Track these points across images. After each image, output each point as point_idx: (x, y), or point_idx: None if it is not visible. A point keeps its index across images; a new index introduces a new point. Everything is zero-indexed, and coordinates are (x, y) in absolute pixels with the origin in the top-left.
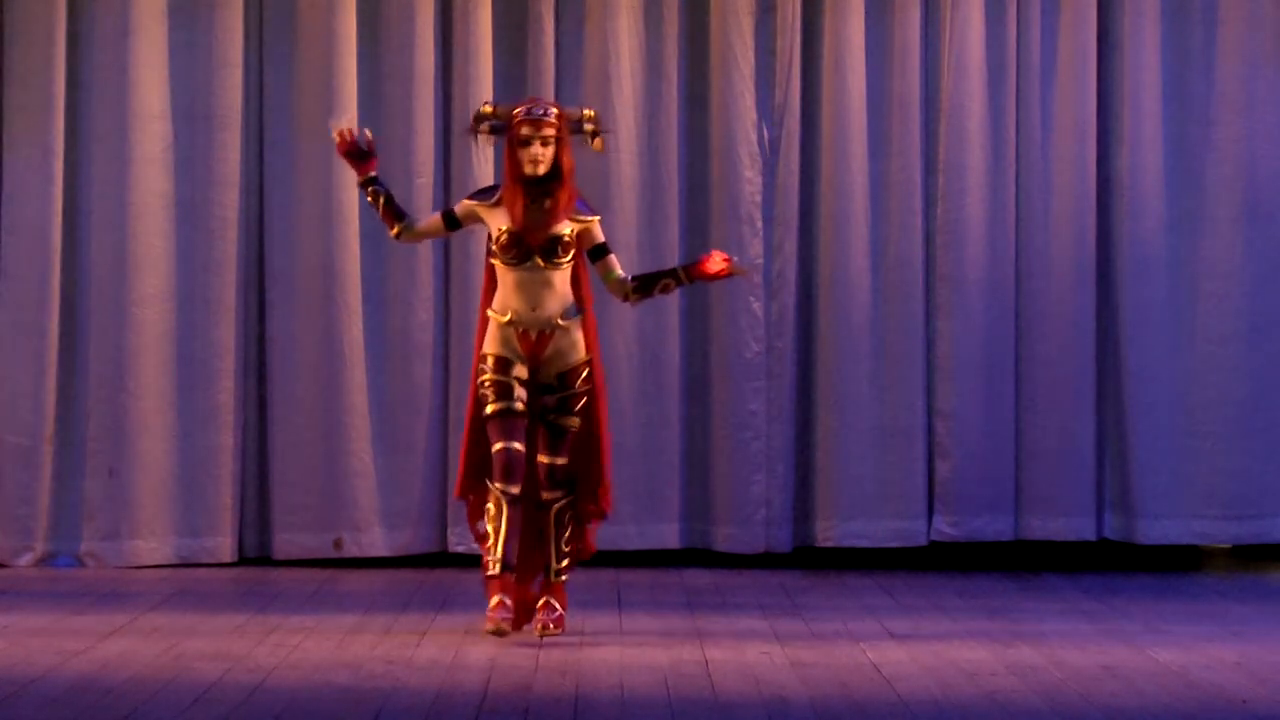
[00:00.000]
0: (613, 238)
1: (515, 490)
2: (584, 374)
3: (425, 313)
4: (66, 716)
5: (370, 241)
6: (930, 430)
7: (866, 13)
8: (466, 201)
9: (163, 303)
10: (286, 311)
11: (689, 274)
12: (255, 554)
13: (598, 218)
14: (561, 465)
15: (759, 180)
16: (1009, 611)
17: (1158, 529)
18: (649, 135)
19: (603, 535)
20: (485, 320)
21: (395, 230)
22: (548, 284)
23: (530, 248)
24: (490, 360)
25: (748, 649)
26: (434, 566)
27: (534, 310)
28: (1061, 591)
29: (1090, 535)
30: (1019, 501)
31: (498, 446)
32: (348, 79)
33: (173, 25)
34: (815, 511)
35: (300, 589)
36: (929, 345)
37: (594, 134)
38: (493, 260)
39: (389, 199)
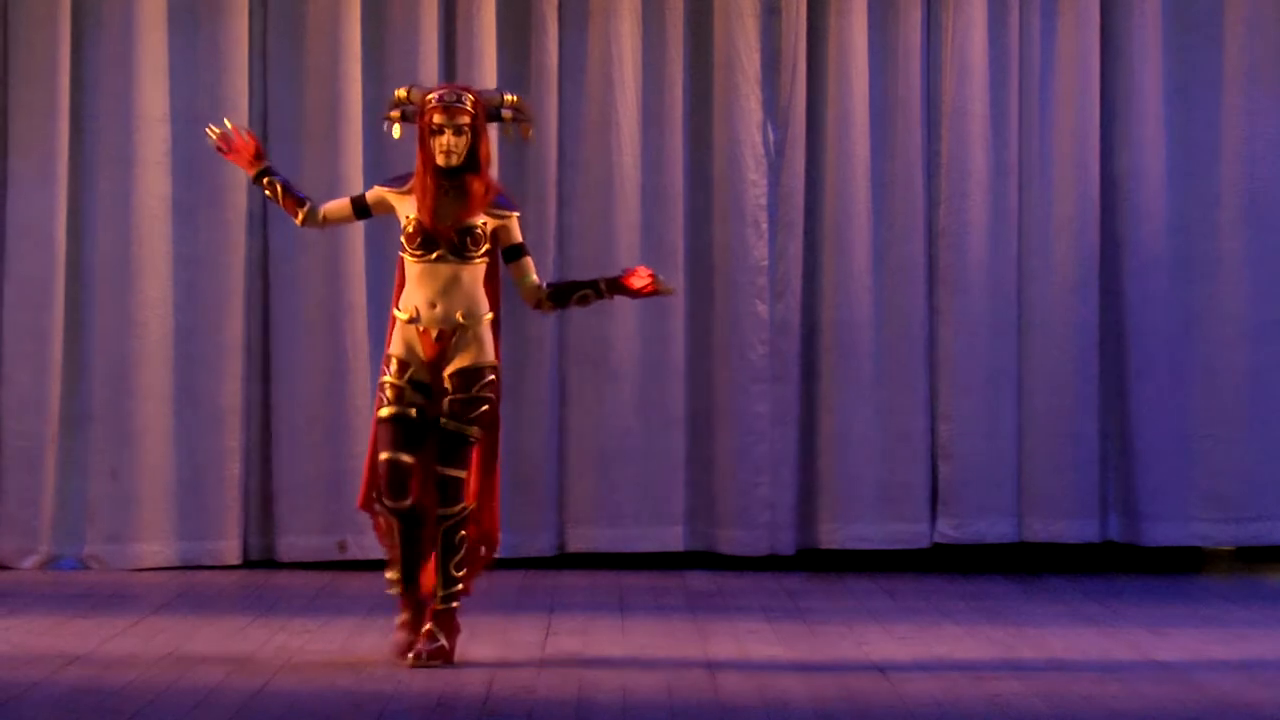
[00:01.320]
0: (616, 240)
1: (404, 504)
2: (486, 380)
3: None
4: (70, 718)
5: (374, 244)
6: (933, 433)
7: (870, 15)
8: (378, 187)
9: (166, 305)
10: (291, 314)
11: (610, 287)
12: (260, 557)
13: (517, 214)
14: (456, 478)
15: (763, 182)
16: (1011, 614)
17: (1160, 531)
18: (652, 138)
19: (606, 538)
20: (393, 318)
21: (300, 217)
22: (455, 280)
23: (438, 239)
24: (391, 363)
25: (750, 651)
26: None
27: (435, 308)
28: (1064, 593)
29: (1093, 537)
30: (1021, 504)
31: (383, 456)
32: (352, 83)
33: (176, 28)
34: (818, 514)
35: (304, 591)
36: (931, 348)
37: (516, 121)
38: (400, 252)
39: (286, 186)
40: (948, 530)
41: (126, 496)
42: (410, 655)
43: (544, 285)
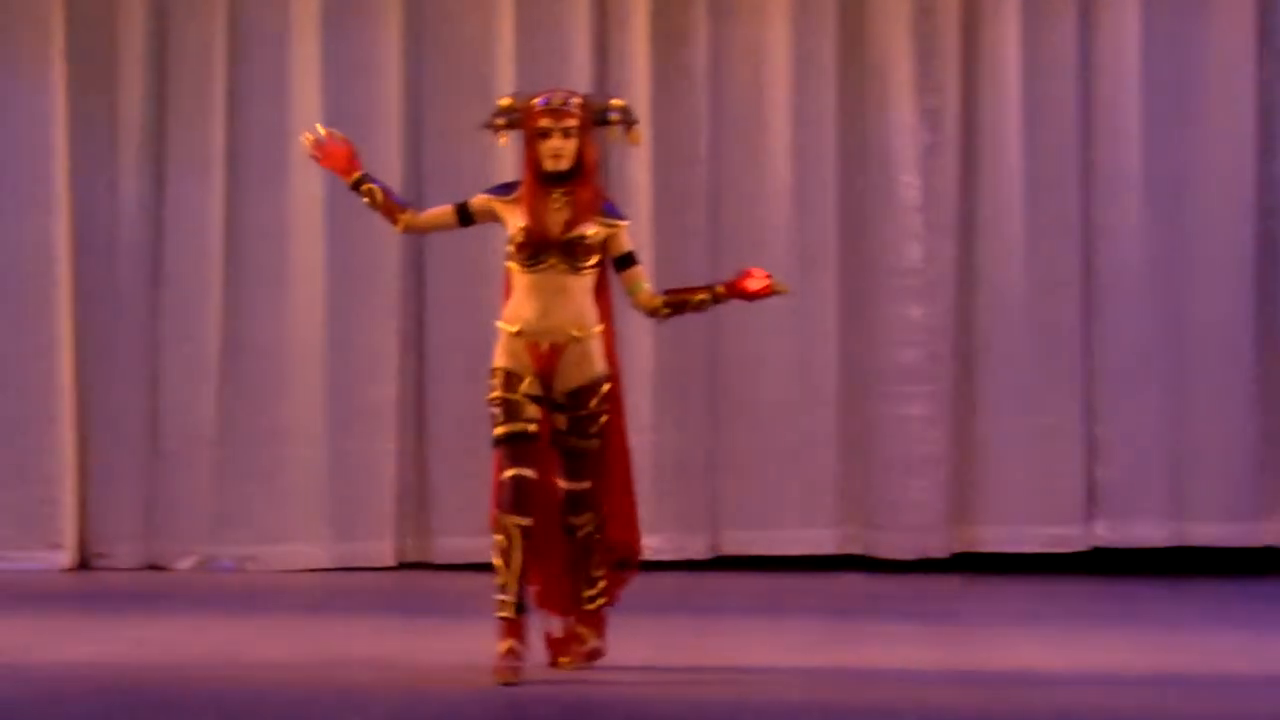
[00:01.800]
0: (766, 241)
1: (527, 521)
2: (602, 393)
3: None
4: (224, 718)
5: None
6: (1089, 435)
7: (1023, 17)
8: (483, 196)
9: (320, 309)
10: (446, 315)
11: (727, 291)
12: (415, 559)
13: (626, 223)
14: (584, 490)
15: (916, 184)
16: (1169, 618)
17: None
18: (803, 139)
19: (759, 540)
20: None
21: (400, 224)
22: (564, 290)
23: (548, 249)
24: (498, 375)
25: (903, 656)
26: None
27: (544, 319)
28: (1223, 598)
29: (1252, 541)
30: (1180, 506)
31: (507, 474)
32: (504, 85)
33: (328, 33)
34: (971, 517)
35: (458, 593)
36: (1086, 349)
37: (623, 125)
38: (507, 262)
39: (386, 191)
40: (1103, 533)
41: (281, 498)
42: (568, 658)
43: (658, 293)
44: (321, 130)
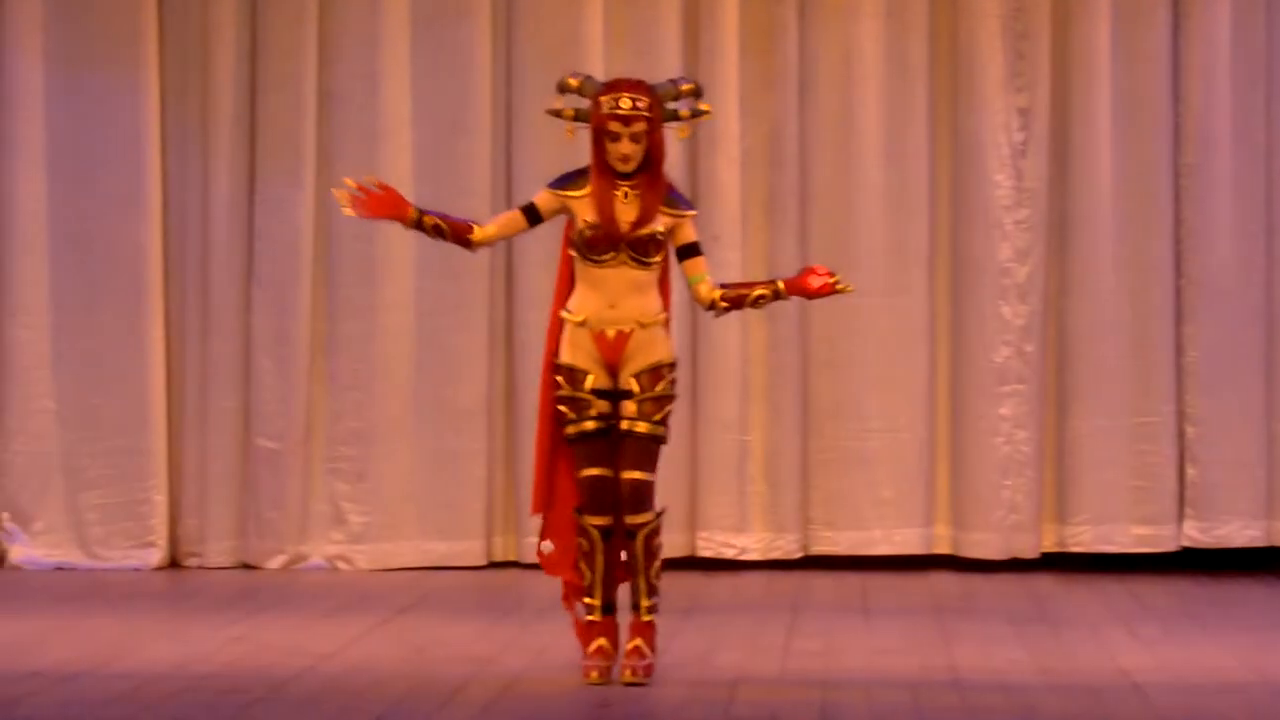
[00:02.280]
0: (857, 239)
1: (607, 521)
2: (668, 378)
3: (676, 311)
4: (318, 718)
5: None
6: (1180, 435)
7: (1114, 15)
8: (549, 192)
9: (410, 308)
10: (534, 314)
11: (789, 287)
12: (504, 558)
13: (693, 213)
14: (648, 482)
15: (1007, 184)
16: (1262, 619)
17: None
18: (894, 138)
19: (848, 540)
20: (558, 321)
21: (474, 245)
22: (631, 283)
23: (617, 244)
24: (562, 373)
25: (996, 656)
26: (682, 569)
27: (612, 309)
28: None
29: None
30: (1272, 507)
31: (584, 474)
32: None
33: (417, 34)
34: (1062, 517)
35: (549, 593)
36: (1178, 349)
37: (694, 116)
38: (571, 253)
39: (446, 217)
40: (1195, 534)
41: (372, 497)
42: (625, 672)
43: (717, 286)
44: (351, 182)
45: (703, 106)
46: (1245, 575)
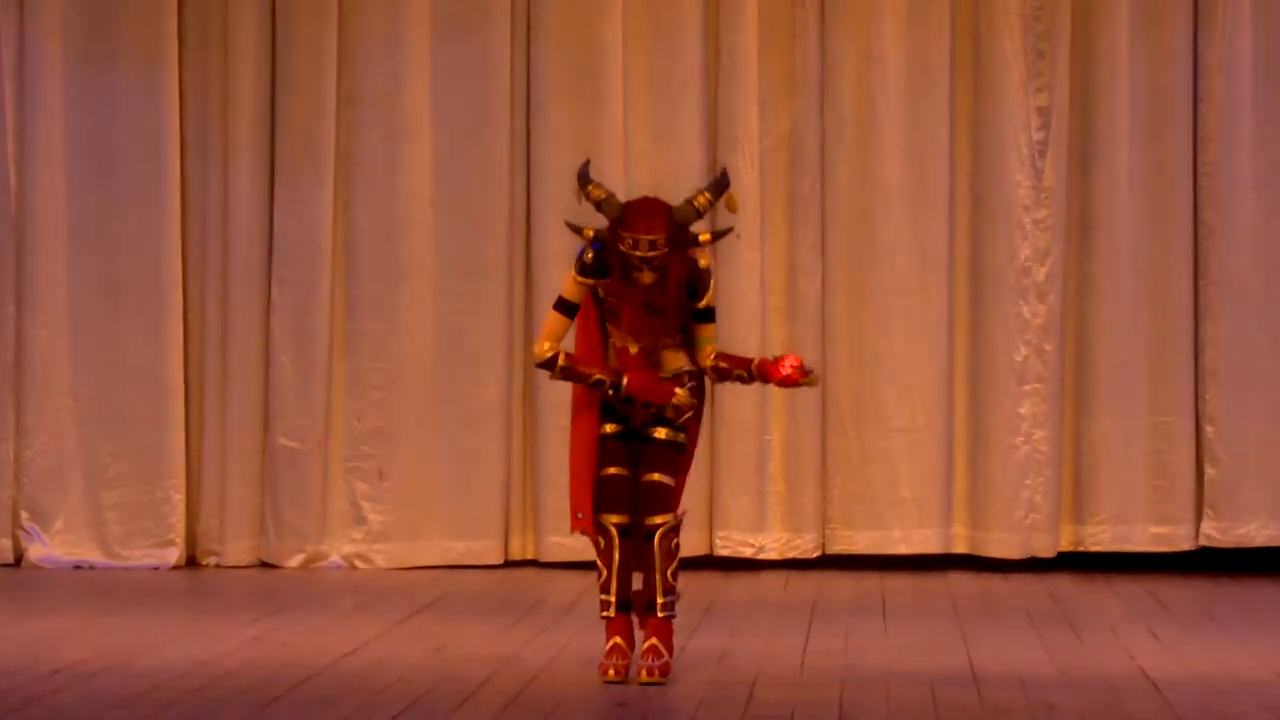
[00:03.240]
0: (878, 240)
1: (624, 520)
2: (689, 385)
3: None
4: (336, 716)
5: None
6: (1198, 434)
7: (1134, 13)
8: (579, 280)
9: (430, 307)
10: None
11: (758, 371)
12: (522, 557)
13: (713, 283)
14: (667, 485)
15: (1027, 183)
16: None
17: None
18: (914, 138)
19: (866, 540)
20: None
21: (550, 359)
22: (664, 350)
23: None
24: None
25: (1014, 656)
26: (700, 569)
27: (636, 339)
28: None
29: None
30: None
31: (603, 473)
32: (613, 84)
33: (438, 36)
34: (1080, 516)
35: (567, 591)
36: (1196, 349)
37: (715, 236)
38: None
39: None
40: (1213, 533)
41: (392, 496)
42: (641, 672)
43: (716, 354)
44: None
45: (731, 206)
46: (1264, 574)
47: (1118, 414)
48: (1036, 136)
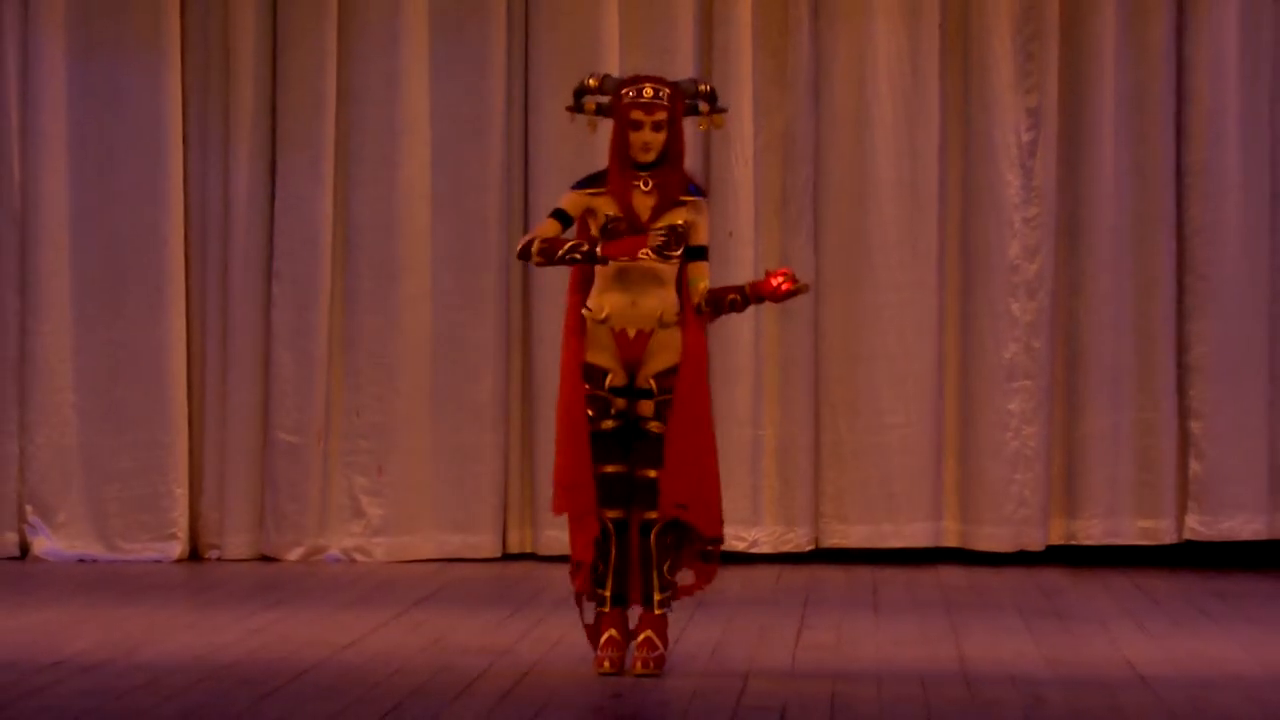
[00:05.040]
0: (870, 237)
1: (622, 515)
2: (684, 379)
3: None
4: (335, 707)
5: None
6: (1183, 430)
7: (1121, 15)
8: (573, 194)
9: (428, 303)
10: (551, 311)
11: (751, 291)
12: (519, 550)
13: (706, 210)
14: (659, 479)
15: (1016, 182)
16: (1267, 612)
17: None
18: (906, 136)
19: (858, 534)
20: (575, 319)
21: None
22: (654, 278)
23: (640, 235)
24: (584, 371)
25: (1005, 648)
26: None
27: (633, 307)
28: None
29: None
30: (1274, 500)
31: (601, 470)
32: None
33: (436, 33)
34: (1068, 510)
35: (563, 584)
36: (1181, 345)
37: (711, 113)
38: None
39: (555, 242)
40: (1199, 527)
41: (390, 490)
42: (636, 664)
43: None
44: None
45: (718, 122)
46: (1249, 568)
47: (1106, 409)
48: (1026, 136)
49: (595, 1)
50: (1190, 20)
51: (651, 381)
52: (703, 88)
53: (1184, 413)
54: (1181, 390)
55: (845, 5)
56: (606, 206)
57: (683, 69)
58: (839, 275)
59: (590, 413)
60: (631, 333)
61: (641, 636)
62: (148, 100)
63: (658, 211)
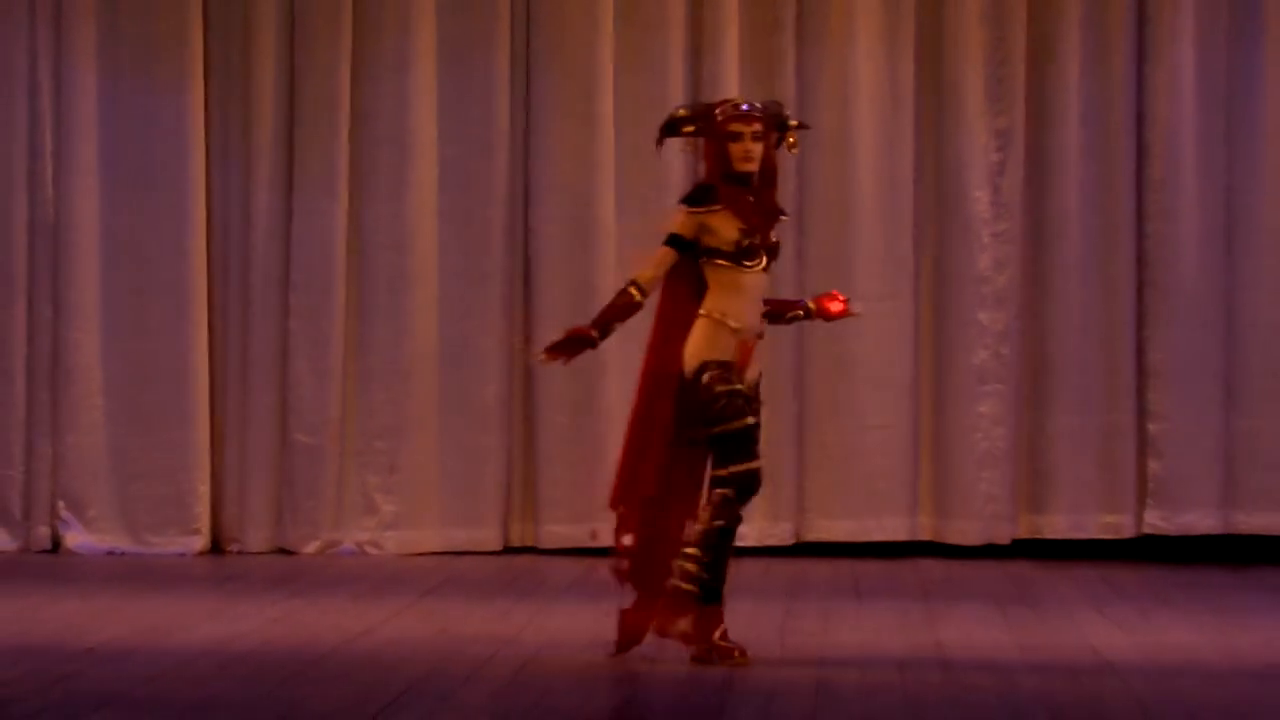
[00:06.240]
0: (853, 253)
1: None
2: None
3: None
4: (349, 691)
5: (626, 254)
6: (1142, 430)
7: (1085, 41)
8: (685, 216)
9: (435, 312)
10: (552, 318)
11: (815, 309)
12: (521, 544)
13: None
14: None
15: (987, 199)
16: (1225, 601)
17: None
18: (885, 158)
19: (841, 528)
20: (676, 326)
21: (639, 301)
22: (764, 289)
23: (760, 248)
24: (724, 369)
25: (979, 637)
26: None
27: (753, 316)
28: (1274, 583)
29: None
30: (1228, 497)
31: (750, 466)
32: (605, 105)
33: (443, 60)
34: (1035, 506)
35: (563, 576)
36: (1141, 351)
37: (797, 129)
38: (719, 263)
39: (609, 316)
40: (1158, 522)
41: (401, 488)
42: (737, 652)
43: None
44: (541, 356)
45: (792, 146)
46: (1206, 561)
47: (1070, 412)
48: (995, 156)
49: (592, 32)
50: (1150, 46)
51: (753, 389)
52: (784, 109)
53: (1143, 415)
54: (1141, 394)
55: (828, 35)
56: (723, 223)
57: (674, 96)
58: (822, 287)
59: (741, 406)
60: (750, 342)
61: (723, 628)
62: (173, 123)
63: (768, 223)
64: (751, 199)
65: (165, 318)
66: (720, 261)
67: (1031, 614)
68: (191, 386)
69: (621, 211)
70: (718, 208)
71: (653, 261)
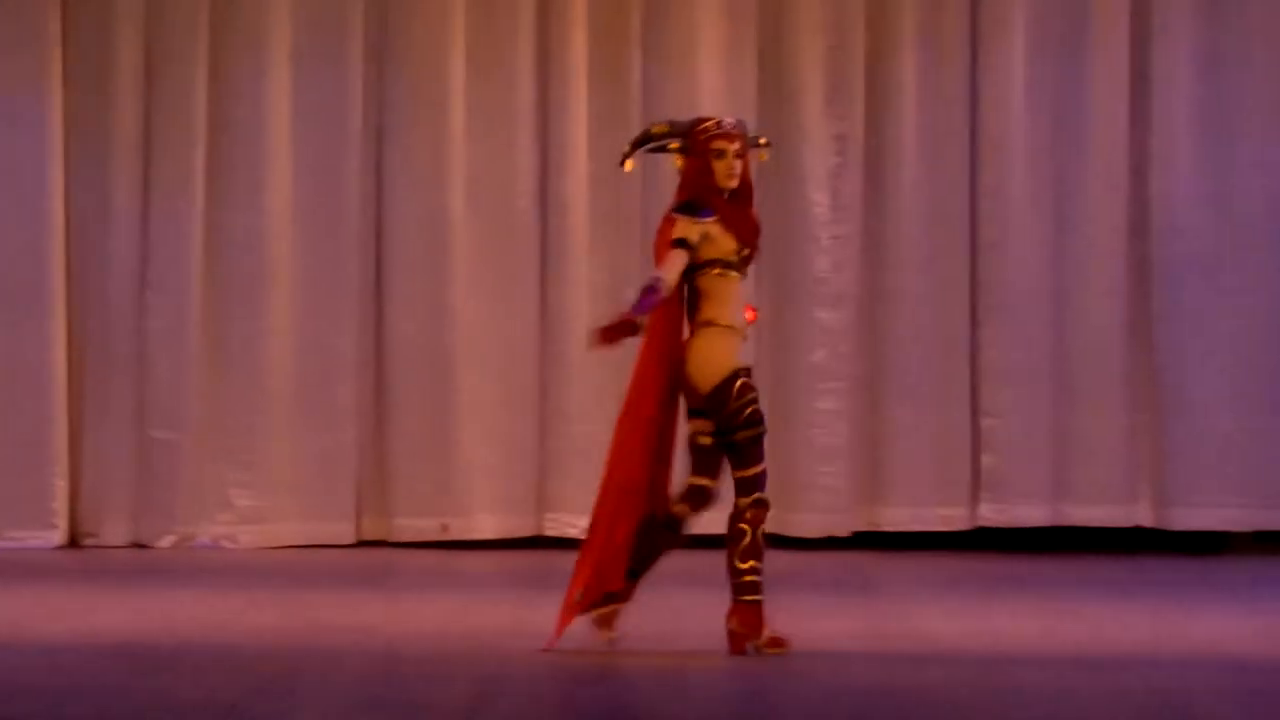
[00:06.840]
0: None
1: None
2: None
3: (527, 318)
4: (213, 683)
5: (478, 262)
6: (975, 426)
7: (920, 53)
8: (688, 223)
9: (291, 313)
10: (404, 320)
11: None
12: (373, 537)
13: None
14: (758, 475)
15: (825, 202)
16: (1054, 590)
17: (1190, 516)
18: None
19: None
20: (673, 335)
21: (667, 296)
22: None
23: (750, 257)
24: (747, 374)
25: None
26: (532, 548)
27: (744, 323)
28: (1097, 571)
29: (1124, 521)
30: (1057, 490)
31: (764, 467)
32: (457, 111)
33: (297, 69)
34: (872, 499)
35: (414, 567)
36: (974, 350)
37: (766, 146)
38: (718, 272)
39: (646, 304)
40: (991, 515)
41: (255, 483)
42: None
43: None
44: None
45: (762, 156)
46: (1037, 551)
47: (907, 408)
48: (833, 160)
49: (443, 45)
50: (982, 58)
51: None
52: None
53: (977, 412)
54: (975, 391)
55: (672, 47)
56: (720, 234)
57: (524, 107)
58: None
59: (758, 412)
60: (742, 345)
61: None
62: (31, 124)
63: (757, 235)
64: (740, 211)
65: (23, 316)
66: (720, 271)
67: (869, 604)
68: (50, 383)
69: (472, 213)
70: (713, 219)
71: (669, 262)
